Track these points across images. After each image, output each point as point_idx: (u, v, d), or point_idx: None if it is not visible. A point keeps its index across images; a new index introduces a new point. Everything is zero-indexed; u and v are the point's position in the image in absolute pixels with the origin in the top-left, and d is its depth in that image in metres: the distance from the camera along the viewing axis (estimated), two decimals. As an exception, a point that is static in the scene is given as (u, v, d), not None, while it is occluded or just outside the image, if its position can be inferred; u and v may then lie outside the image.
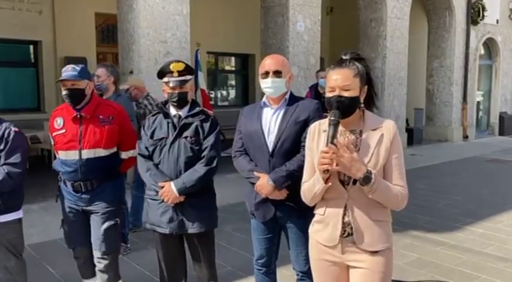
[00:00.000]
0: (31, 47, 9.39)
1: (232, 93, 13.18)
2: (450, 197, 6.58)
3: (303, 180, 2.20)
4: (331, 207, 2.09)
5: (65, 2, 9.02)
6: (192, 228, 2.82)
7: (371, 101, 2.14)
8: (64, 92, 2.88)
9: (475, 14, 12.48)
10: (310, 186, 2.11)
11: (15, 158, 2.80)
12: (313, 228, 2.21)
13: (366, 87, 2.08)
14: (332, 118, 1.97)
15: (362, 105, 2.08)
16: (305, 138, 2.57)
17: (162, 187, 2.77)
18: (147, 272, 3.88)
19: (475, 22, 12.57)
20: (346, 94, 2.00)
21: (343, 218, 2.06)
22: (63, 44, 9.06)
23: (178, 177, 2.78)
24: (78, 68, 2.87)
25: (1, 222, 2.83)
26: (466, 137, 12.64)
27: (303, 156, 2.55)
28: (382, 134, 2.03)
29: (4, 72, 9.29)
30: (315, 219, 2.20)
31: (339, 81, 2.02)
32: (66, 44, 9.01)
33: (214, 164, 2.83)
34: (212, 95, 12.21)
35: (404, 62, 10.66)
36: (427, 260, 4.23)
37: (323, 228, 2.13)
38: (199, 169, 2.79)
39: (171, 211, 2.81)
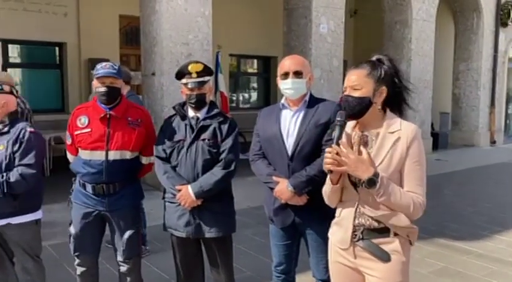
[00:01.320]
0: (56, 49, 9.53)
1: (254, 95, 13.15)
2: (477, 203, 6.38)
3: (326, 182, 2.14)
4: (345, 209, 2.07)
5: (89, 5, 9.14)
6: (209, 232, 2.77)
7: (396, 103, 2.06)
8: (101, 89, 2.77)
9: (504, 16, 12.16)
10: (325, 187, 2.10)
11: (29, 159, 2.79)
12: (331, 230, 2.18)
13: (384, 88, 1.99)
14: (338, 119, 1.95)
15: (379, 106, 2.00)
16: (326, 141, 2.51)
17: (179, 190, 2.73)
18: (166, 275, 3.84)
19: (504, 24, 12.25)
20: (354, 94, 1.96)
21: (354, 220, 2.02)
22: (87, 46, 9.17)
23: (195, 180, 2.73)
24: (116, 66, 2.81)
25: (17, 223, 2.83)
26: (493, 142, 12.31)
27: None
28: (399, 138, 1.95)
29: (30, 74, 9.46)
30: (333, 220, 2.17)
31: (350, 81, 1.99)
32: (91, 46, 9.12)
33: (232, 168, 2.77)
34: (234, 98, 12.21)
35: (430, 65, 10.43)
36: (453, 270, 4.08)
37: (338, 230, 2.11)
38: (217, 172, 2.73)
39: (188, 215, 2.76)
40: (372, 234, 1.99)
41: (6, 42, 8.60)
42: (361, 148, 1.95)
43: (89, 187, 2.83)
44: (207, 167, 2.76)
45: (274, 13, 10.46)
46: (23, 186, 2.77)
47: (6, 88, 2.91)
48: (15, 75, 9.49)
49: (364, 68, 1.99)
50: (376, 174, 1.86)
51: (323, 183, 2.48)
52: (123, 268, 2.94)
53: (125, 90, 4.39)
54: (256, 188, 5.30)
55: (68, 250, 3.11)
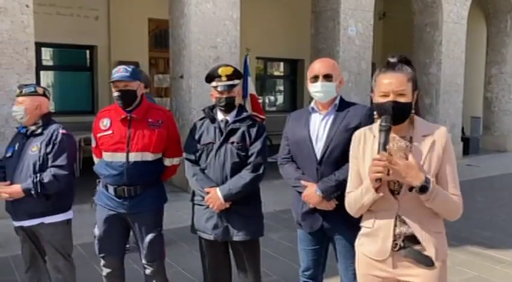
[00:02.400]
0: (87, 51, 9.73)
1: (281, 98, 13.12)
2: (510, 211, 6.18)
3: (347, 191, 2.10)
4: (381, 219, 1.98)
5: (120, 8, 9.30)
6: (237, 235, 2.76)
7: (417, 105, 2.05)
8: (116, 93, 2.82)
9: (539, 18, 11.79)
10: (357, 196, 2.00)
11: (62, 160, 2.85)
12: (359, 242, 2.11)
13: (417, 92, 1.99)
14: (383, 124, 1.88)
15: (413, 111, 1.98)
16: (354, 146, 2.47)
17: (208, 193, 2.74)
18: (193, 277, 3.86)
19: (539, 26, 11.87)
20: (401, 100, 1.92)
21: (394, 230, 1.95)
22: (117, 49, 9.32)
23: (224, 183, 2.74)
24: (129, 69, 2.83)
25: (50, 223, 2.89)
26: (527, 147, 11.93)
27: (354, 165, 2.45)
28: (434, 141, 1.93)
29: (62, 76, 9.68)
30: (362, 232, 2.10)
31: (394, 85, 1.92)
32: (120, 48, 9.27)
33: (260, 171, 2.77)
34: (260, 100, 12.19)
35: (461, 68, 10.21)
36: (485, 278, 3.96)
37: (372, 242, 2.02)
38: (245, 176, 2.73)
39: (216, 217, 2.77)
40: (412, 241, 1.94)
41: (40, 45, 8.83)
42: (407, 153, 1.90)
43: (111, 189, 2.86)
44: (236, 170, 2.76)
45: (301, 16, 10.43)
46: (55, 187, 2.83)
47: (40, 90, 2.98)
48: (48, 77, 9.73)
49: (404, 72, 1.96)
50: (427, 180, 1.82)
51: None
52: (148, 270, 2.96)
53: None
54: (283, 192, 5.28)
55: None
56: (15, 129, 3.06)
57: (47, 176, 2.79)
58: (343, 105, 2.58)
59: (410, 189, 1.88)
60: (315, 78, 2.55)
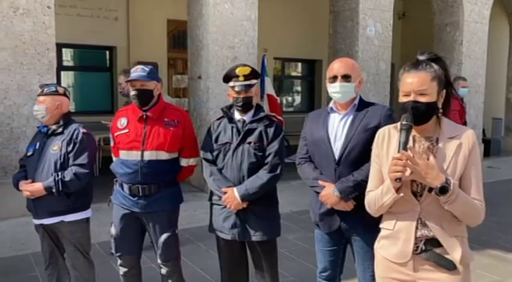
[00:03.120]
0: (107, 52, 9.84)
1: (298, 99, 13.09)
2: (533, 214, 6.06)
3: (367, 189, 2.07)
4: (402, 221, 1.94)
5: (139, 9, 9.39)
6: (255, 235, 2.76)
7: (449, 105, 1.98)
8: (133, 92, 2.84)
9: None
10: (377, 196, 1.97)
11: (83, 159, 2.89)
12: (379, 244, 2.07)
13: (444, 91, 1.93)
14: (404, 122, 1.84)
15: (440, 111, 1.93)
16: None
17: (225, 193, 2.74)
18: (210, 277, 3.86)
19: None
20: (422, 99, 1.86)
21: (415, 232, 1.91)
22: (136, 50, 9.41)
23: (241, 183, 2.74)
24: (147, 69, 2.85)
25: (70, 221, 2.92)
26: (550, 149, 11.67)
27: (372, 165, 2.42)
28: (461, 143, 1.87)
29: (82, 77, 9.82)
30: (381, 234, 2.06)
31: (415, 85, 1.87)
32: (139, 49, 9.35)
33: (277, 171, 2.76)
34: (277, 100, 12.17)
35: (482, 68, 10.03)
36: (507, 283, 3.88)
37: (392, 244, 1.98)
38: (263, 176, 2.73)
39: (234, 217, 2.77)
40: (433, 244, 1.90)
41: (60, 46, 8.97)
42: (428, 153, 1.86)
43: (125, 187, 2.88)
44: (253, 170, 2.76)
45: (319, 16, 10.38)
46: (76, 185, 2.86)
47: (60, 90, 3.02)
48: (68, 78, 9.87)
49: (428, 70, 1.89)
50: (448, 181, 1.78)
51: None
52: (163, 270, 2.97)
53: None
54: (299, 192, 5.27)
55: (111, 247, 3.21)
56: (36, 129, 3.11)
57: (68, 175, 2.83)
58: (362, 105, 2.55)
59: (430, 190, 1.84)
60: (334, 78, 2.52)
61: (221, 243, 2.90)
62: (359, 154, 2.46)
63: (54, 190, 2.80)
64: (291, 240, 4.76)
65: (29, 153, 2.96)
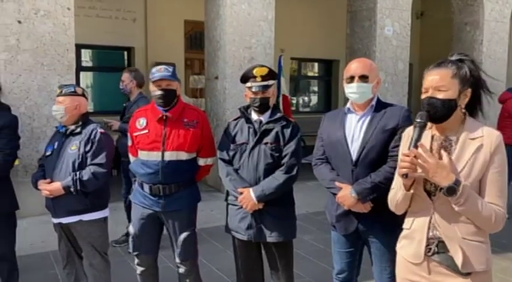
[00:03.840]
0: (125, 53, 9.93)
1: (314, 99, 13.02)
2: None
3: (392, 186, 2.05)
4: (417, 221, 1.93)
5: (157, 10, 9.45)
6: (270, 236, 2.76)
7: (477, 106, 1.94)
8: (158, 92, 2.83)
9: None
10: (395, 192, 1.97)
11: (101, 159, 2.92)
12: (400, 244, 2.05)
13: (469, 90, 1.88)
14: (418, 120, 1.83)
15: (463, 110, 1.88)
16: (393, 147, 2.42)
17: (241, 193, 2.74)
18: (226, 276, 3.88)
19: None
20: (439, 96, 1.83)
21: (427, 232, 1.88)
22: (154, 50, 9.47)
23: (257, 184, 2.74)
24: (170, 69, 2.87)
25: (88, 220, 2.95)
26: None
27: (391, 167, 2.39)
28: (482, 145, 1.82)
29: (100, 77, 9.92)
30: (402, 234, 2.04)
31: (434, 81, 1.85)
32: (157, 50, 9.41)
33: (294, 172, 2.75)
34: (294, 101, 12.14)
35: (503, 68, 9.85)
36: (527, 287, 3.81)
37: (409, 244, 1.96)
38: (279, 177, 2.72)
39: (250, 218, 2.77)
40: (446, 247, 1.86)
41: (80, 47, 9.09)
42: (442, 152, 1.83)
43: (146, 187, 2.89)
44: (269, 170, 2.75)
45: (336, 16, 10.32)
46: (94, 185, 2.90)
47: (79, 91, 3.06)
48: (87, 78, 10.00)
49: (449, 68, 1.86)
50: (457, 182, 1.73)
51: (388, 191, 2.41)
52: (181, 269, 2.99)
53: (136, 93, 4.63)
54: (315, 193, 5.24)
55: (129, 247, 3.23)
56: (55, 129, 3.16)
57: (86, 174, 2.87)
58: (380, 106, 2.53)
59: (440, 189, 1.81)
60: (351, 78, 2.51)
61: (237, 243, 2.91)
62: (376, 155, 2.44)
63: (72, 189, 2.84)
64: (307, 241, 4.74)
65: (48, 153, 3.00)
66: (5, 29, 5.19)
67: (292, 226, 2.85)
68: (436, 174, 1.76)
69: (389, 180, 2.38)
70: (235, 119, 2.95)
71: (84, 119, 3.03)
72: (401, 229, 2.49)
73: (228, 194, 2.92)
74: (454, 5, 9.69)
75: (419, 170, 1.80)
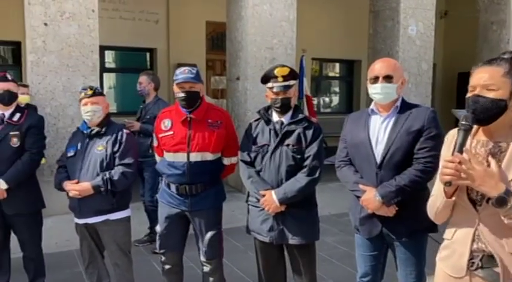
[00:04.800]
0: (147, 54, 10.04)
1: (336, 100, 12.94)
2: None
3: (432, 193, 1.91)
4: (460, 232, 1.77)
5: (179, 12, 9.52)
6: (293, 239, 2.74)
7: None
8: (181, 94, 2.85)
9: None
10: (434, 200, 1.82)
11: (129, 159, 2.97)
12: (440, 255, 1.90)
13: None
14: (463, 122, 1.66)
15: None
16: (418, 149, 2.38)
17: (263, 195, 2.73)
18: (247, 277, 3.87)
19: None
20: (487, 94, 1.66)
21: (471, 245, 1.72)
22: (176, 52, 9.55)
23: (279, 186, 2.72)
24: (194, 71, 2.89)
25: (114, 219, 3.00)
26: None
27: (416, 170, 2.35)
28: None
29: (123, 78, 10.05)
30: (443, 244, 1.89)
31: (482, 79, 1.68)
32: (179, 51, 9.48)
33: (316, 175, 2.72)
34: (315, 102, 12.09)
35: (531, 68, 9.61)
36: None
37: (450, 256, 1.81)
38: (301, 179, 2.70)
39: (272, 220, 2.76)
40: (492, 262, 1.69)
41: (103, 48, 9.22)
42: (490, 159, 1.67)
43: (173, 187, 2.92)
44: (291, 172, 2.73)
45: (358, 16, 10.24)
46: (123, 184, 2.95)
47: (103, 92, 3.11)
48: (110, 79, 10.13)
49: (501, 65, 1.69)
50: (507, 192, 1.56)
51: (413, 194, 2.37)
52: (206, 268, 3.00)
53: (152, 95, 4.73)
54: (338, 195, 5.19)
55: (153, 246, 3.27)
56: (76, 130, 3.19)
57: (116, 174, 2.91)
58: (405, 107, 2.48)
59: (487, 200, 1.65)
60: (375, 79, 2.47)
61: (259, 245, 2.90)
62: (401, 158, 2.40)
63: (102, 189, 2.88)
64: (330, 243, 4.70)
65: (70, 154, 3.02)
66: (32, 31, 5.30)
67: (314, 228, 2.83)
68: (483, 183, 1.60)
69: (414, 183, 2.35)
70: (256, 120, 2.94)
71: (108, 120, 3.07)
72: (426, 234, 2.46)
73: (248, 195, 2.92)
74: (480, 4, 9.50)
75: (464, 177, 1.64)
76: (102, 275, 3.16)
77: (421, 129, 2.38)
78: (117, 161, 2.95)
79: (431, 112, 2.44)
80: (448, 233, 1.84)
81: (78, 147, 3.01)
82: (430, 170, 2.36)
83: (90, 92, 3.01)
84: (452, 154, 1.66)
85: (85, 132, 3.04)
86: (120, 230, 3.04)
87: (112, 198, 2.95)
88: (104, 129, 3.01)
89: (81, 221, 3.04)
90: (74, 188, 2.91)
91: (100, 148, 2.96)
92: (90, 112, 2.99)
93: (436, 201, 1.80)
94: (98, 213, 2.96)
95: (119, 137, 2.98)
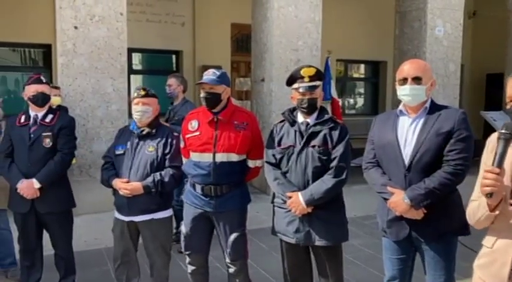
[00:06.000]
0: (173, 56, 10.15)
1: (360, 101, 12.82)
2: None
3: (471, 198, 1.87)
4: (502, 241, 1.72)
5: (204, 14, 9.60)
6: (319, 240, 2.73)
7: None
8: (202, 95, 2.92)
9: None
10: (475, 208, 1.77)
11: (179, 162, 3.05)
12: (478, 262, 1.86)
13: None
14: (503, 131, 1.62)
15: None
16: (448, 151, 2.35)
17: (290, 197, 2.73)
18: (273, 278, 3.88)
19: None
20: None
21: None
22: (201, 54, 9.63)
23: (306, 187, 2.71)
24: (218, 73, 2.92)
25: (158, 219, 3.07)
26: None
27: (446, 172, 2.32)
28: None
29: (150, 80, 10.18)
30: (482, 251, 1.85)
31: None
32: (204, 53, 9.56)
33: (343, 176, 2.70)
34: (339, 103, 12.02)
35: None
36: None
37: (489, 264, 1.77)
38: (328, 181, 2.68)
39: (298, 221, 2.75)
40: None
41: (130, 50, 9.36)
42: None
43: (198, 188, 2.95)
44: (318, 174, 2.72)
45: (384, 16, 10.14)
46: (172, 186, 3.04)
47: (155, 94, 3.16)
48: (136, 81, 10.29)
49: None
50: None
51: (443, 197, 2.34)
52: (231, 269, 3.02)
53: (181, 97, 4.82)
54: (363, 197, 5.15)
55: (179, 246, 3.31)
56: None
57: (166, 176, 2.98)
58: (434, 108, 2.46)
59: None
60: (404, 80, 2.45)
61: (284, 246, 2.90)
62: (431, 160, 2.37)
63: (153, 190, 2.95)
64: (356, 245, 4.67)
65: (119, 152, 3.09)
66: (63, 35, 5.44)
67: (342, 230, 2.81)
68: None
69: (444, 186, 2.32)
70: (281, 122, 2.94)
71: (158, 122, 3.14)
72: (456, 238, 2.41)
73: (274, 196, 2.92)
74: (510, 3, 9.29)
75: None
76: (132, 273, 3.20)
77: (451, 131, 2.35)
78: (167, 163, 3.02)
79: (461, 113, 2.41)
80: (488, 240, 1.80)
81: (128, 146, 3.06)
82: (460, 173, 2.33)
83: (142, 93, 3.07)
84: (493, 164, 1.61)
85: (135, 132, 3.09)
86: (162, 229, 3.10)
87: (159, 198, 3.02)
88: (154, 131, 3.07)
89: (127, 219, 3.07)
90: (125, 187, 2.97)
91: (151, 149, 3.02)
92: (140, 112, 3.04)
93: (478, 211, 1.75)
94: (145, 212, 3.02)
95: (169, 140, 3.05)
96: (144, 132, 3.06)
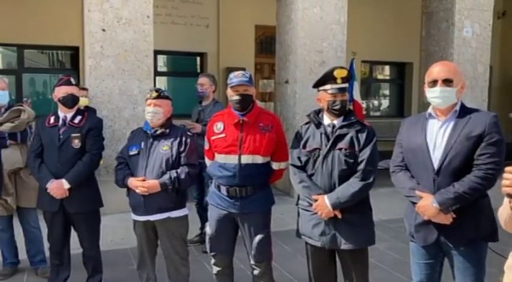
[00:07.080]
0: (198, 58, 10.23)
1: (385, 103, 12.67)
2: None
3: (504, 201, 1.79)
4: None
5: (229, 16, 9.65)
6: (345, 244, 2.70)
7: None
8: (235, 97, 2.91)
9: None
10: (502, 209, 1.74)
11: (194, 160, 3.10)
12: (508, 263, 1.80)
13: None
14: None
15: None
16: (479, 155, 2.31)
17: (316, 200, 2.71)
18: (297, 280, 3.87)
19: None
20: None
21: None
22: (225, 55, 9.67)
23: (332, 190, 2.69)
24: (247, 75, 2.94)
25: (174, 217, 3.11)
26: None
27: (476, 176, 2.28)
28: None
29: (174, 82, 10.29)
30: (508, 262, 1.79)
31: None
32: (228, 55, 9.60)
33: (370, 179, 2.68)
34: (363, 105, 11.89)
35: None
36: None
37: None
38: (354, 184, 2.65)
39: (323, 224, 2.73)
40: None
41: (156, 53, 9.47)
42: None
43: (223, 189, 2.97)
44: (344, 177, 2.70)
45: (410, 17, 10.01)
46: (188, 184, 3.08)
47: (169, 95, 3.20)
48: (161, 83, 10.40)
49: None
50: None
51: (472, 201, 2.29)
52: (256, 271, 3.03)
53: (211, 97, 4.80)
54: (389, 200, 5.09)
55: (204, 247, 3.33)
56: (138, 129, 3.31)
57: (182, 173, 3.02)
58: (464, 111, 2.41)
59: None
60: (434, 82, 2.42)
61: (310, 249, 2.89)
62: (460, 164, 2.33)
63: (170, 187, 2.99)
64: (381, 249, 4.60)
65: (133, 152, 3.14)
66: (91, 37, 5.54)
67: (368, 233, 2.78)
68: None
69: (474, 190, 2.28)
70: (306, 123, 2.92)
71: (170, 123, 3.18)
72: (486, 243, 2.36)
73: (299, 198, 2.91)
74: (541, 3, 9.05)
75: None
76: (150, 275, 3.26)
77: (482, 135, 2.30)
78: (182, 161, 3.06)
79: (493, 117, 2.36)
80: None
81: (142, 146, 3.11)
82: (491, 177, 2.28)
83: (155, 94, 3.12)
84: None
85: (148, 132, 3.14)
86: (180, 227, 3.15)
87: (175, 196, 3.06)
88: (167, 131, 3.12)
89: (143, 218, 3.11)
90: (143, 185, 3.00)
91: (165, 148, 3.06)
92: (151, 113, 3.09)
93: (504, 211, 1.72)
94: (161, 210, 3.06)
95: (183, 139, 3.10)
96: (158, 132, 3.10)
